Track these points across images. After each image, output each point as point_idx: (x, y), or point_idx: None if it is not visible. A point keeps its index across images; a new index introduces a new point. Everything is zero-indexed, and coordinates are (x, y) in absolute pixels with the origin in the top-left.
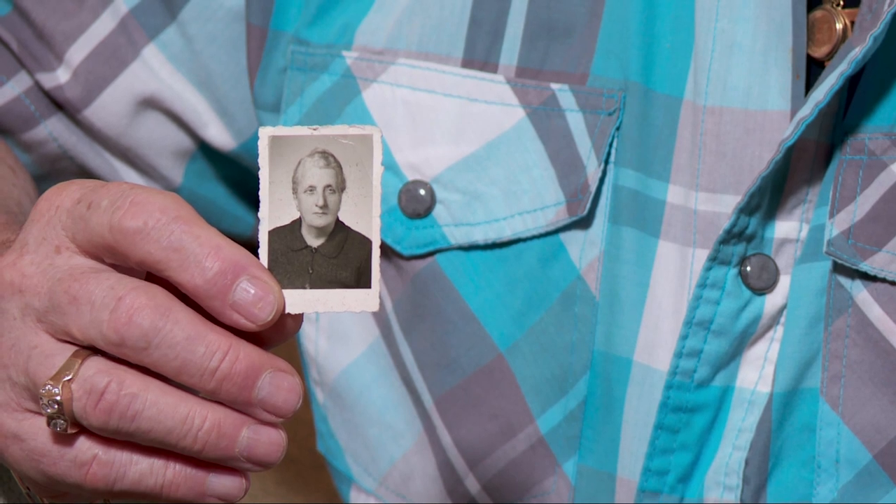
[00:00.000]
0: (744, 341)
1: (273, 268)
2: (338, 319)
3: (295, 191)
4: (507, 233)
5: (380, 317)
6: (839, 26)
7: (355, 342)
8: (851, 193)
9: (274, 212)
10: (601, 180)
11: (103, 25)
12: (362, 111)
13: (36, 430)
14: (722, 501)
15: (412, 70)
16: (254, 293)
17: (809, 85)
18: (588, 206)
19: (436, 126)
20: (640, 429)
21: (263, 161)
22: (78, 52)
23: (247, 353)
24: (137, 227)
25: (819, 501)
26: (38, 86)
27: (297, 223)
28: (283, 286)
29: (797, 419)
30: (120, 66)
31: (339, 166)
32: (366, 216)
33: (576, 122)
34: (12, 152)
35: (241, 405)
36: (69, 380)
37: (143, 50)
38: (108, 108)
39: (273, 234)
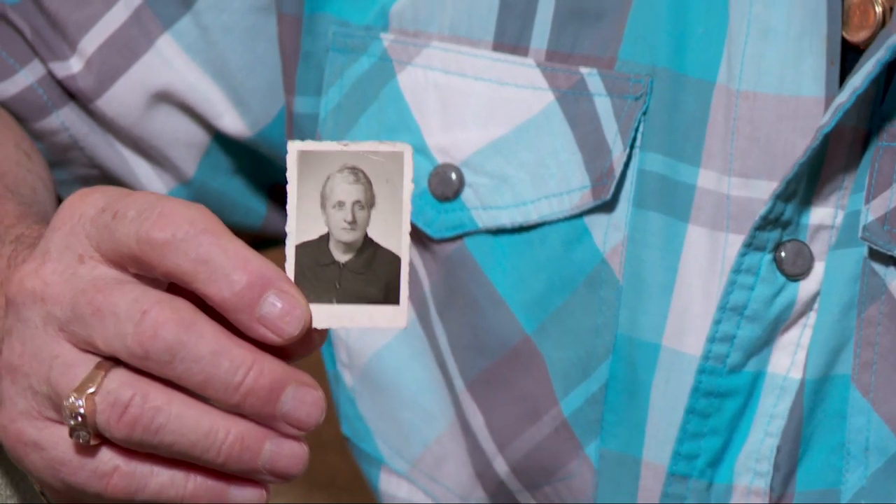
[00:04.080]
0: (777, 327)
1: (300, 282)
2: None
3: (323, 206)
4: (533, 216)
5: (416, 298)
6: (878, 10)
7: None
8: (887, 180)
9: (301, 226)
10: (626, 164)
11: (117, 15)
12: (396, 94)
13: (57, 440)
14: (752, 486)
15: (444, 53)
16: (281, 307)
17: (845, 71)
18: (612, 189)
19: (466, 109)
20: (667, 413)
21: (292, 175)
22: (91, 42)
23: (271, 368)
24: (166, 239)
25: (848, 488)
26: (51, 75)
27: (325, 238)
28: (310, 301)
29: (828, 406)
30: (133, 56)
31: (369, 182)
32: (395, 233)
33: (603, 106)
34: (28, 138)
35: (265, 419)
36: (93, 392)
37: (158, 40)
38: (120, 99)
39: (300, 248)
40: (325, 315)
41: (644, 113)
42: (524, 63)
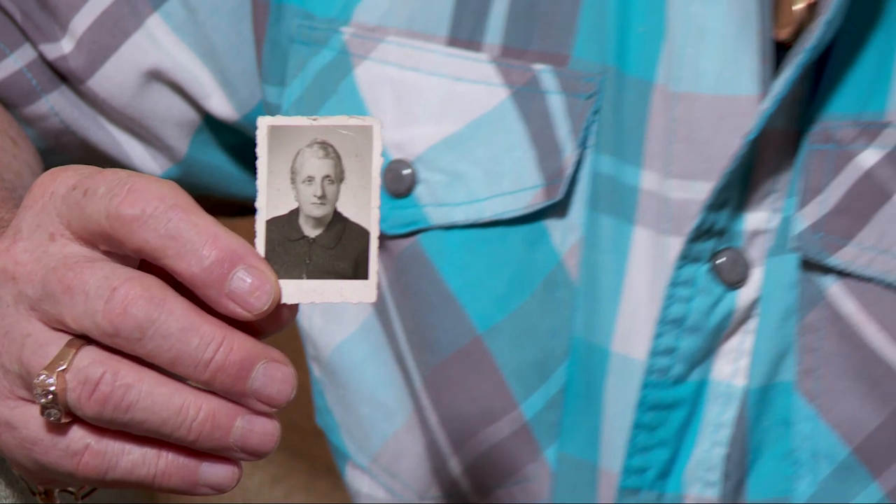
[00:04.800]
0: (718, 335)
1: (270, 257)
2: None
3: (293, 181)
4: (486, 213)
5: None
6: (799, 6)
7: (349, 319)
8: (819, 185)
9: (272, 201)
10: (578, 165)
11: None
12: (352, 88)
13: (28, 419)
14: (703, 496)
15: (399, 48)
16: (250, 282)
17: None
18: (563, 189)
19: (420, 105)
20: (618, 420)
21: (262, 151)
22: (81, 22)
23: (241, 344)
24: (135, 215)
25: (799, 495)
26: (40, 59)
27: (295, 213)
28: (280, 276)
29: (774, 413)
30: (123, 35)
31: (339, 157)
32: (364, 207)
33: (557, 104)
34: (16, 124)
35: (236, 395)
36: (63, 370)
37: (147, 20)
38: (111, 79)
39: (270, 223)
40: (294, 290)
41: (595, 112)
42: (478, 59)
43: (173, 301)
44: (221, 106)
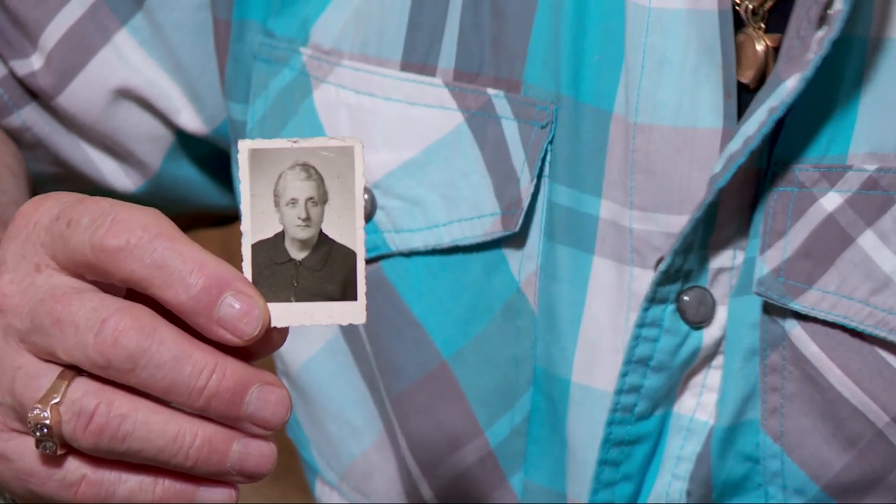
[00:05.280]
0: (682, 373)
1: (257, 282)
2: None
3: (277, 204)
4: (445, 239)
5: None
6: (759, 48)
7: (314, 337)
8: (782, 228)
9: (256, 225)
10: (534, 196)
11: (73, 11)
12: (311, 111)
13: (23, 451)
14: None
15: (354, 73)
16: (239, 308)
17: (740, 105)
18: (520, 221)
19: (376, 130)
20: (582, 451)
21: (244, 174)
22: (50, 38)
23: (233, 370)
24: (120, 246)
25: None
26: (12, 74)
27: (281, 236)
28: (268, 300)
29: (739, 451)
30: (90, 52)
31: (321, 178)
32: (349, 228)
33: (511, 131)
34: None
35: (231, 420)
36: (57, 402)
37: (115, 36)
38: (80, 95)
39: (256, 247)
40: (283, 313)
41: (550, 142)
42: (432, 83)
43: (164, 330)
44: (191, 120)
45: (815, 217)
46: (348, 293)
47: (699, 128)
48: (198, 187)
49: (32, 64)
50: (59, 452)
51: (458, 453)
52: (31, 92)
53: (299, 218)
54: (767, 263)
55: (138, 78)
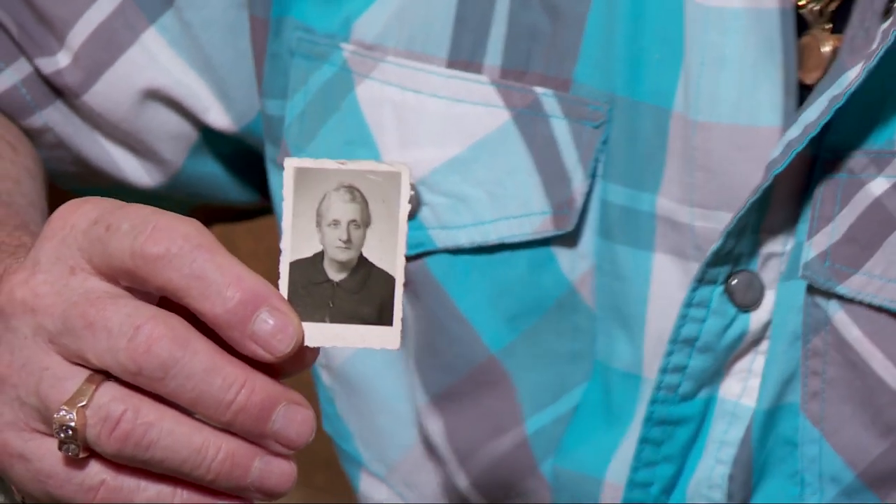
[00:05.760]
0: (728, 356)
1: (293, 300)
2: None
3: (319, 224)
4: (492, 237)
5: None
6: (826, 49)
7: None
8: (830, 213)
9: (296, 244)
10: (588, 195)
11: (101, 9)
12: (354, 107)
13: (44, 452)
14: None
15: (399, 69)
16: (273, 324)
17: (799, 103)
18: (575, 221)
19: (421, 127)
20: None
21: (288, 192)
22: (78, 36)
23: (262, 387)
24: (159, 253)
25: None
26: (36, 73)
27: (320, 256)
28: (303, 319)
29: (780, 434)
30: (118, 50)
31: (365, 202)
32: (390, 253)
33: (561, 130)
34: (14, 128)
35: (255, 437)
36: (83, 406)
37: (143, 34)
38: (107, 94)
39: (294, 266)
40: (317, 333)
41: (604, 142)
42: (478, 80)
43: (197, 341)
44: (220, 118)
45: (862, 202)
46: (384, 318)
47: (759, 126)
48: (219, 183)
49: (59, 62)
50: (81, 456)
51: (497, 441)
52: (56, 91)
53: (340, 240)
54: (814, 248)
55: (166, 77)
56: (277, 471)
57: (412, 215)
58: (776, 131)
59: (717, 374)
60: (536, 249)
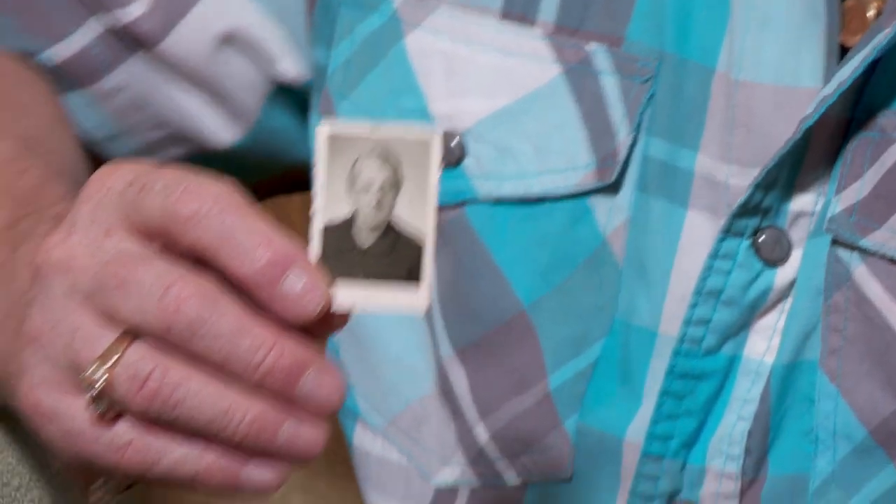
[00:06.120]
0: (753, 311)
1: (323, 262)
2: None
3: (350, 187)
4: (535, 189)
5: None
6: (871, 14)
7: None
8: (859, 171)
9: (328, 207)
10: (631, 148)
11: None
12: (403, 56)
13: (74, 411)
14: (724, 469)
15: (452, 20)
16: (302, 286)
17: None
18: (616, 172)
19: (471, 78)
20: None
21: (320, 156)
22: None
23: (291, 349)
24: (190, 213)
25: (818, 473)
26: (108, 32)
27: (351, 220)
28: (333, 281)
29: (797, 390)
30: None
31: (397, 166)
32: (420, 217)
33: (610, 85)
34: (58, 103)
35: (284, 400)
36: (113, 364)
37: None
38: (185, 40)
39: (326, 229)
40: (346, 295)
41: (650, 97)
42: (531, 34)
43: (226, 302)
44: (291, 67)
45: (890, 159)
46: (413, 282)
47: (800, 87)
48: (292, 139)
49: (134, 11)
50: (109, 415)
51: (521, 396)
52: (132, 44)
53: (371, 204)
54: (841, 203)
55: (242, 22)
56: (306, 435)
57: (456, 164)
58: (816, 93)
59: (741, 330)
60: (576, 202)
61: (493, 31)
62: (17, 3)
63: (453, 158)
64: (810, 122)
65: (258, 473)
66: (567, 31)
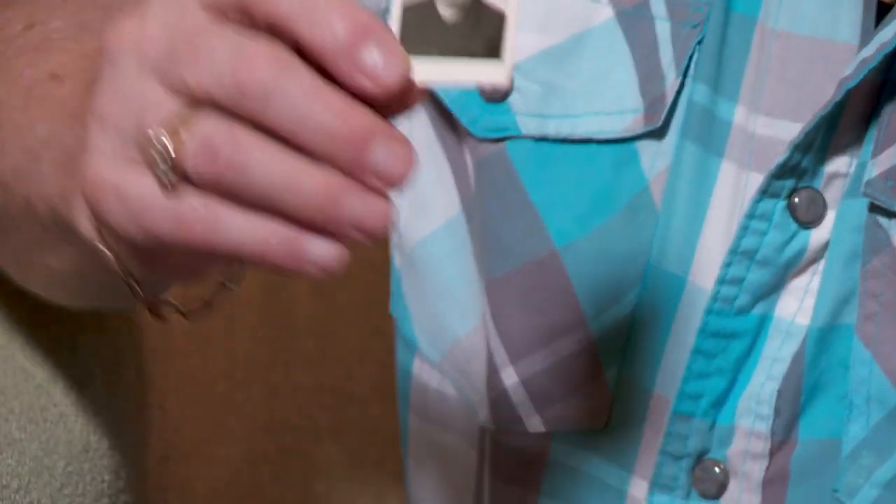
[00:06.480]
0: (787, 272)
1: (404, 38)
2: (421, 188)
3: None
4: (580, 130)
5: (464, 192)
6: None
7: (437, 213)
8: (895, 135)
9: None
10: (678, 93)
11: None
12: None
13: (141, 184)
14: (753, 429)
15: None
16: (382, 56)
17: (877, 23)
18: (664, 116)
19: (524, 13)
20: (683, 348)
21: None
22: None
23: (363, 115)
24: None
25: (850, 438)
26: None
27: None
28: (412, 54)
29: (832, 354)
30: None
31: None
32: None
33: (663, 30)
34: None
35: (354, 169)
36: (184, 131)
37: None
38: None
39: (407, 8)
40: (425, 69)
41: (699, 42)
42: None
43: (299, 66)
44: None
45: None
46: (493, 53)
47: (836, 41)
48: None
49: None
50: (174, 181)
51: (556, 343)
52: None
53: None
54: (878, 167)
55: None
56: (374, 208)
57: (502, 99)
58: (852, 48)
59: (774, 290)
60: (623, 146)
61: None
62: None
63: (499, 94)
64: (851, 83)
65: (323, 248)
66: None
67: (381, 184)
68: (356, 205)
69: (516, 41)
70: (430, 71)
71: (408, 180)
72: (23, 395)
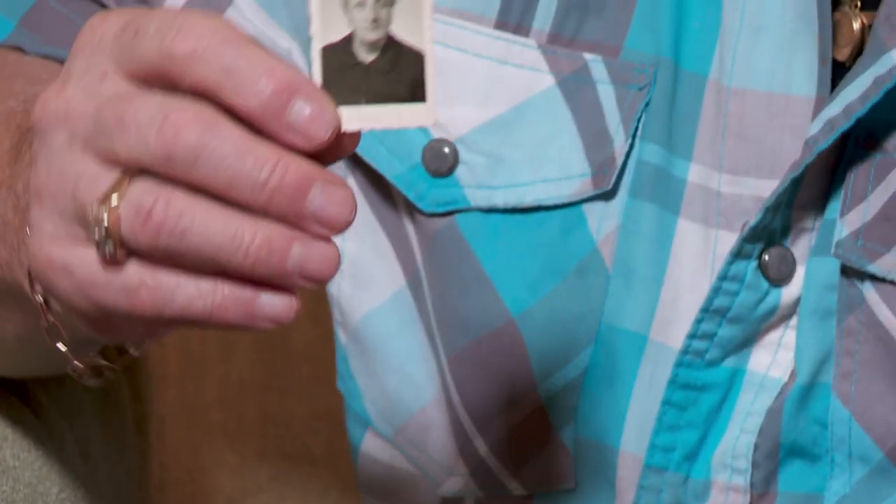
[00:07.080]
0: (759, 328)
1: (327, 85)
2: (361, 264)
3: (345, 6)
4: (528, 199)
5: (408, 267)
6: (856, 26)
7: (380, 288)
8: (863, 192)
9: (326, 28)
10: (627, 155)
11: None
12: None
13: (85, 259)
14: (731, 483)
15: (446, 27)
16: (310, 111)
17: (834, 76)
18: (613, 180)
19: (464, 86)
20: (649, 405)
21: None
22: (175, 3)
23: (297, 165)
24: (188, 51)
25: (832, 494)
26: None
27: (350, 39)
28: (338, 103)
29: (811, 412)
30: (216, 12)
31: None
32: (417, 30)
33: (606, 94)
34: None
35: (293, 218)
36: (116, 201)
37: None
38: None
39: (326, 51)
40: (354, 116)
41: (647, 104)
42: (526, 43)
43: (226, 124)
44: None
45: (894, 180)
46: (417, 95)
47: (793, 94)
48: None
49: None
50: (118, 255)
51: (512, 410)
52: None
53: (368, 19)
54: (847, 226)
55: (263, 38)
56: (319, 254)
57: (448, 172)
58: (809, 101)
59: (745, 344)
60: (569, 210)
61: (488, 40)
62: (45, 20)
63: (445, 167)
64: (822, 146)
65: (273, 302)
66: (563, 41)
67: (325, 230)
68: (300, 254)
69: (436, 79)
70: (359, 118)
71: (350, 223)
72: (17, 422)
